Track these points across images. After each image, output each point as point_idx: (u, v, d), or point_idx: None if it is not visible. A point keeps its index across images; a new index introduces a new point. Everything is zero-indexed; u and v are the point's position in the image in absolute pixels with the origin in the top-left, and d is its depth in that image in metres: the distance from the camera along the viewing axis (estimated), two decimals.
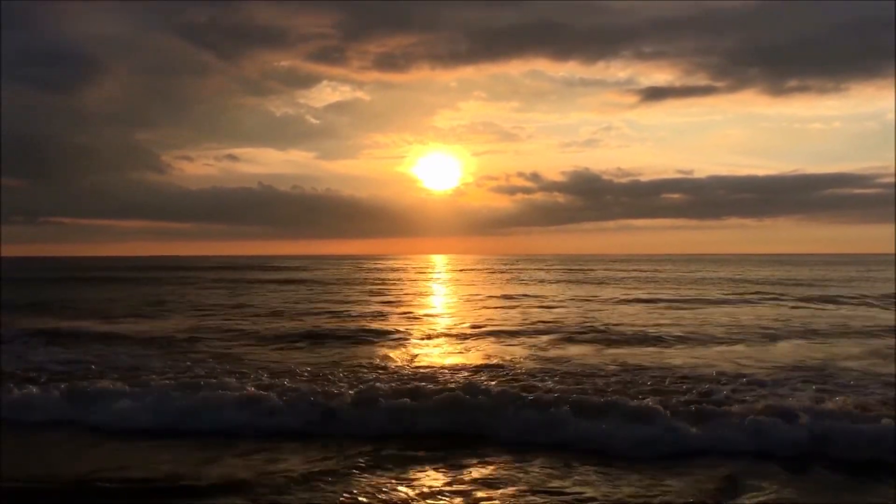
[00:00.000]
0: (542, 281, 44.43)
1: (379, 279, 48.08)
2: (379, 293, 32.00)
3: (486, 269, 74.91)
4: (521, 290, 34.08)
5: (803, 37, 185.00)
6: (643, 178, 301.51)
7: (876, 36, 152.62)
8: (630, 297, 27.55)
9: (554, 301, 26.17)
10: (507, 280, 46.38)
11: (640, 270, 62.63)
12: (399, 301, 27.17)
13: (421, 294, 32.15)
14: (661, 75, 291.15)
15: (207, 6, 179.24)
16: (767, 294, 28.96)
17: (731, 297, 27.84)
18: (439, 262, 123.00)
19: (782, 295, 28.31)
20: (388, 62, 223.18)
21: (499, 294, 30.69)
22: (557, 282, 43.05)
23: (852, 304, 24.36)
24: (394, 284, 40.11)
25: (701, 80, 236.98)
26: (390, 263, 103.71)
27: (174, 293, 32.35)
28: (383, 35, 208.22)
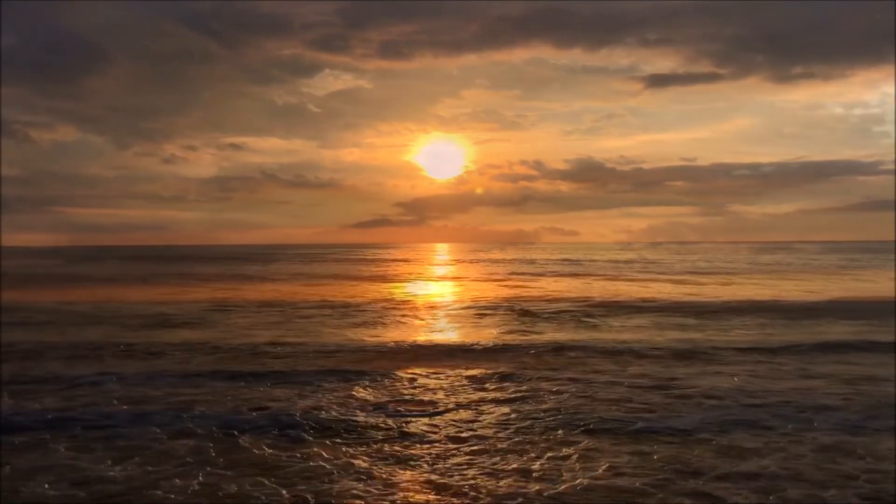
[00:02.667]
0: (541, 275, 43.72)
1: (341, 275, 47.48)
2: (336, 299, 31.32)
3: (489, 259, 74.61)
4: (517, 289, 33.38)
5: (809, 23, 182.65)
6: (646, 166, 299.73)
7: (882, 20, 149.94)
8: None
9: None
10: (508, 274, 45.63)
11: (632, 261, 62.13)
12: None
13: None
14: (664, 62, 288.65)
15: None
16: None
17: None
18: (441, 251, 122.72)
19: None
20: (391, 50, 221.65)
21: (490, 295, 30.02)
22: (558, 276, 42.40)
23: None
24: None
25: (705, 66, 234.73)
26: (387, 253, 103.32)
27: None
28: (386, 23, 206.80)
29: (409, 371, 11.86)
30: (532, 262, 64.99)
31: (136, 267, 57.52)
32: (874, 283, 32.92)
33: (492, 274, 45.58)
